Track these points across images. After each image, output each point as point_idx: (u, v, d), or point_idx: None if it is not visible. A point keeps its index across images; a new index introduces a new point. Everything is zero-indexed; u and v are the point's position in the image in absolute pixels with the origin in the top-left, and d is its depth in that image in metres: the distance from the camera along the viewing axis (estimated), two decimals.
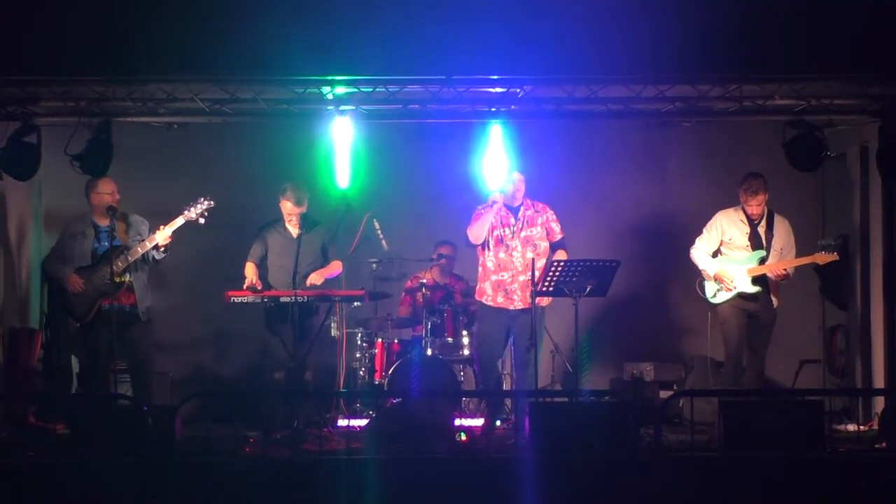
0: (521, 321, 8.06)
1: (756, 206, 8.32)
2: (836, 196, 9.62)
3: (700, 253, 8.50)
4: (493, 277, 8.08)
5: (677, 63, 7.62)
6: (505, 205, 8.13)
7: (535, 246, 8.06)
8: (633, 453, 6.92)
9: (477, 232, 8.09)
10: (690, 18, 7.47)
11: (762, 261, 8.35)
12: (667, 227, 10.60)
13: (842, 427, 8.44)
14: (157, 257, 8.13)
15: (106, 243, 8.01)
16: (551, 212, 8.24)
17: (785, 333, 8.98)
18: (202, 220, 8.07)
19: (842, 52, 7.53)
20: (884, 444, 7.51)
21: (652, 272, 10.54)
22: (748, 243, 8.39)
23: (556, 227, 8.22)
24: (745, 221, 8.40)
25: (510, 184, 8.12)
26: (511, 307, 8.08)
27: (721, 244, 8.46)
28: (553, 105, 8.31)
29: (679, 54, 7.55)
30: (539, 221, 8.15)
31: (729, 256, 8.43)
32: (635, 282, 10.19)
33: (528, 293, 7.95)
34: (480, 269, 8.22)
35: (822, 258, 8.40)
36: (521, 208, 8.17)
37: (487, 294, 8.15)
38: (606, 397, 8.85)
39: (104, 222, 8.07)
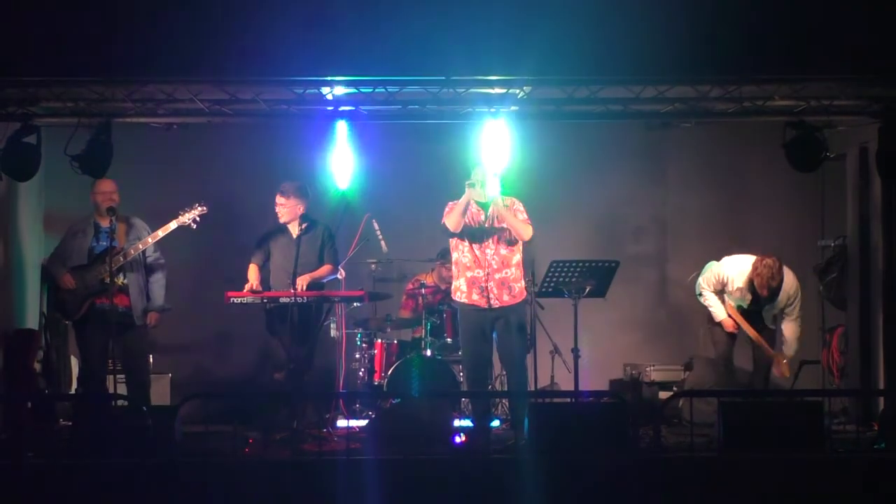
0: (502, 321, 7.86)
1: (766, 293, 8.38)
2: (836, 197, 9.62)
3: (711, 296, 8.59)
4: (469, 274, 7.88)
5: (677, 64, 7.61)
6: (475, 201, 8.01)
7: (507, 241, 7.95)
8: (632, 454, 6.92)
9: (453, 219, 7.83)
10: (690, 19, 7.46)
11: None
12: (667, 227, 10.62)
13: (841, 428, 8.44)
14: (150, 257, 8.23)
15: (104, 243, 8.04)
16: (519, 203, 8.00)
17: None
18: (195, 226, 8.18)
19: (842, 53, 7.53)
20: (883, 445, 7.51)
21: (651, 273, 10.55)
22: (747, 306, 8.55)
23: (524, 219, 7.97)
24: (750, 293, 8.46)
25: (476, 179, 7.88)
26: (487, 306, 7.85)
27: (723, 288, 8.59)
28: (553, 106, 8.30)
29: (679, 55, 7.54)
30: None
31: (732, 302, 8.60)
32: (634, 282, 10.20)
33: (504, 291, 7.85)
34: (454, 266, 8.01)
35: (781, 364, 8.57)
36: (491, 204, 7.99)
37: (462, 291, 7.91)
38: (606, 398, 8.84)
39: (105, 223, 8.09)
